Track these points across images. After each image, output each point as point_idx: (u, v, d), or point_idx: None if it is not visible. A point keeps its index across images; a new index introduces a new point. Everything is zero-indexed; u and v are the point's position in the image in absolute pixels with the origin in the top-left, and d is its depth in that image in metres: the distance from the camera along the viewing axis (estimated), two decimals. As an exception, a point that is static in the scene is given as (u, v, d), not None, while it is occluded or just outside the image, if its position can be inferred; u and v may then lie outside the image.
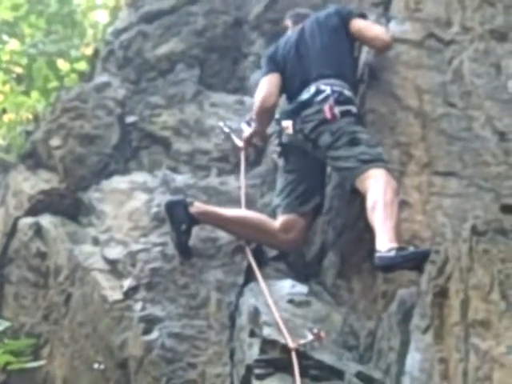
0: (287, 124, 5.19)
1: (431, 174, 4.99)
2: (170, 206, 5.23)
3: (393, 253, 4.32)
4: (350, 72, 5.35)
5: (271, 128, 5.57)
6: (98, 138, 6.35)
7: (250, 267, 5.14)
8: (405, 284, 4.50)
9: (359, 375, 4.32)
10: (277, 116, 5.36)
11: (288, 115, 5.22)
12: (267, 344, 4.46)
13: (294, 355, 4.33)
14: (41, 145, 6.45)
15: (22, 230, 6.07)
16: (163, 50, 6.95)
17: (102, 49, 7.34)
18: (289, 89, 5.38)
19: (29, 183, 6.30)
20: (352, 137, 4.92)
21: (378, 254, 4.38)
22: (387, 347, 4.33)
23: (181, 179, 5.93)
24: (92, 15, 9.42)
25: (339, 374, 4.34)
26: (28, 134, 6.76)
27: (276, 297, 4.79)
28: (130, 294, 5.12)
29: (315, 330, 4.47)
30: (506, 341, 3.57)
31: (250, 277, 5.11)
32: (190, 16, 7.08)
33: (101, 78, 6.87)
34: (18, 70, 8.59)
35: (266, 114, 5.42)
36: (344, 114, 5.02)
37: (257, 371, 4.38)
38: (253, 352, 4.48)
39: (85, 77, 7.47)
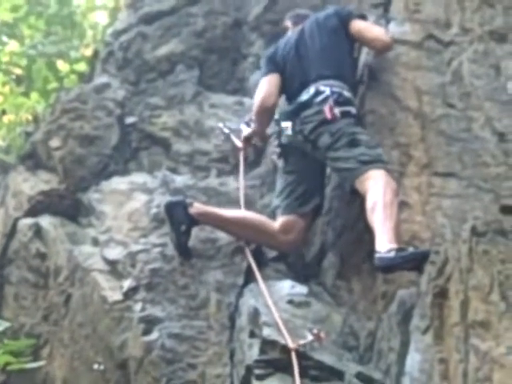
0: (286, 125, 5.20)
1: (431, 174, 4.99)
2: (170, 207, 5.23)
3: (392, 253, 4.32)
4: (350, 73, 5.36)
5: (271, 129, 5.57)
6: (98, 138, 6.35)
7: (249, 268, 5.14)
8: (405, 285, 4.50)
9: (359, 376, 4.32)
10: (276, 117, 5.37)
11: (287, 116, 5.22)
12: (267, 344, 4.46)
13: (293, 356, 4.33)
14: (40, 146, 6.46)
15: (22, 230, 6.07)
16: (163, 51, 6.95)
17: (101, 50, 7.34)
18: (288, 89, 5.38)
19: (28, 184, 6.30)
20: (351, 138, 4.92)
21: (377, 255, 4.39)
22: (387, 348, 4.33)
23: (180, 180, 5.93)
24: (91, 16, 9.41)
25: (339, 374, 4.34)
26: (28, 134, 6.76)
27: (276, 297, 4.80)
28: (129, 294, 5.12)
29: (315, 331, 4.47)
30: (505, 341, 3.58)
31: (249, 277, 5.11)
32: (189, 17, 7.09)
33: (100, 79, 6.88)
34: (18, 71, 8.58)
35: (265, 114, 5.42)
36: (344, 114, 5.02)
37: (257, 372, 4.38)
38: (253, 352, 4.48)
39: (84, 78, 7.47)
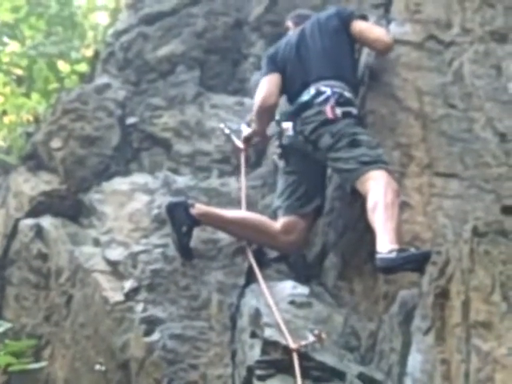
0: (287, 125, 5.20)
1: (432, 175, 4.99)
2: (171, 208, 5.23)
3: (394, 254, 4.32)
4: (351, 73, 5.35)
5: (272, 129, 5.57)
6: (99, 139, 6.36)
7: (250, 268, 5.14)
8: (406, 285, 4.50)
9: (361, 376, 4.32)
10: (277, 117, 5.37)
11: (288, 117, 5.22)
12: (268, 345, 4.46)
13: (295, 356, 4.33)
14: (41, 146, 6.46)
15: (23, 231, 6.07)
16: (163, 51, 6.95)
17: (102, 50, 7.35)
18: (289, 90, 5.38)
19: (29, 185, 6.30)
20: (352, 138, 4.91)
21: (378, 256, 4.38)
22: (389, 348, 4.34)
23: (181, 180, 5.93)
24: (92, 17, 9.40)
25: (341, 375, 4.34)
26: (28, 135, 6.77)
27: (277, 298, 4.80)
28: (131, 295, 5.12)
29: (316, 332, 4.47)
30: (507, 342, 3.57)
31: (250, 278, 5.11)
32: (190, 17, 7.09)
33: (101, 80, 6.89)
34: (19, 71, 8.58)
35: (265, 113, 5.42)
36: (344, 115, 5.02)
37: (258, 372, 4.38)
38: (254, 353, 4.48)
39: (85, 78, 7.47)
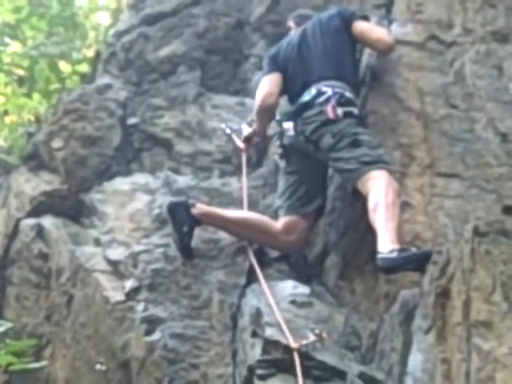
0: (288, 125, 5.20)
1: (433, 175, 4.99)
2: (172, 208, 5.23)
3: (395, 254, 4.32)
4: (352, 74, 5.35)
5: (272, 129, 5.57)
6: (100, 139, 6.36)
7: (251, 268, 5.14)
8: (407, 285, 4.50)
9: (361, 376, 4.32)
10: (278, 117, 5.37)
11: (289, 117, 5.22)
12: (269, 345, 4.46)
13: (296, 356, 4.33)
14: (42, 146, 6.47)
15: (24, 231, 6.08)
16: (165, 51, 6.96)
17: (103, 51, 7.36)
18: (290, 90, 5.38)
19: (30, 185, 6.30)
20: (353, 138, 4.91)
21: (379, 256, 4.38)
22: (389, 348, 4.33)
23: (183, 180, 5.94)
24: (94, 17, 9.42)
25: (341, 374, 4.34)
26: (30, 135, 6.77)
27: (278, 298, 4.80)
28: (131, 294, 5.12)
29: (317, 331, 4.47)
30: (508, 341, 3.57)
31: (251, 278, 5.11)
32: (191, 18, 7.10)
33: (102, 80, 6.89)
34: (20, 72, 8.59)
35: (266, 112, 5.42)
36: (345, 115, 5.02)
37: (259, 372, 4.38)
38: (255, 352, 4.48)
39: (86, 79, 7.48)
